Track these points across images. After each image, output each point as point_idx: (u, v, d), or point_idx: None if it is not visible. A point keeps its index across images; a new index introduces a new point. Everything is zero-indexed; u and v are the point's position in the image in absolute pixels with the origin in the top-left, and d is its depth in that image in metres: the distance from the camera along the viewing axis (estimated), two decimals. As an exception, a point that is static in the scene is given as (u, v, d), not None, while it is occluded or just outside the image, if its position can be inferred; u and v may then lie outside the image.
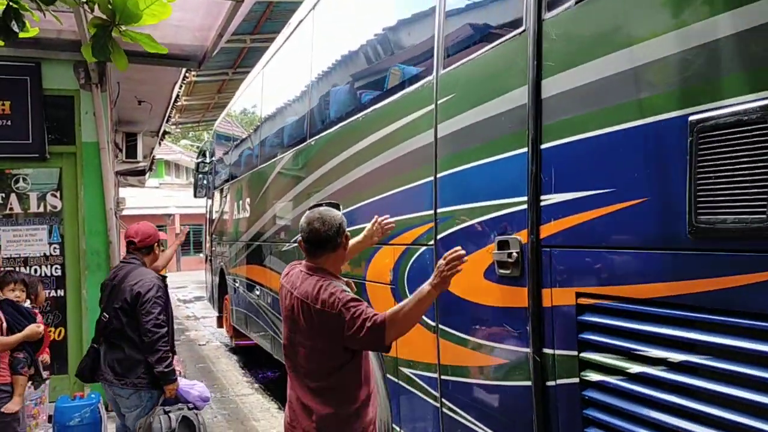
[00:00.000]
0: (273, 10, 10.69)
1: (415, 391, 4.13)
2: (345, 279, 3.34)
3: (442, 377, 3.81)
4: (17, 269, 6.70)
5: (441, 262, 2.97)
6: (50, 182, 7.29)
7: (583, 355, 2.81)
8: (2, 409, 4.48)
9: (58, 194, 7.27)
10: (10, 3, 2.66)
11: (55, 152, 7.15)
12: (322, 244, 3.16)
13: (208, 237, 13.68)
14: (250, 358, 10.91)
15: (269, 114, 8.49)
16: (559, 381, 2.92)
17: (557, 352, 2.93)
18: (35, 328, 4.79)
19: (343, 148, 5.22)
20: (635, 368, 2.53)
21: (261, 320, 8.33)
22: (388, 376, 4.47)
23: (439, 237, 3.79)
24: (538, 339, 3.00)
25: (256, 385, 9.20)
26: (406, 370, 4.25)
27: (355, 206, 4.96)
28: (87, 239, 7.22)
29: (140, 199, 28.12)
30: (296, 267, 3.31)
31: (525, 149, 3.06)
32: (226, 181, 11.23)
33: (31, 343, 4.88)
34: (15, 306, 4.90)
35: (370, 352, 3.32)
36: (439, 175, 3.79)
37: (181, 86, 10.48)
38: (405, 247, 4.19)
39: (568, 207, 2.84)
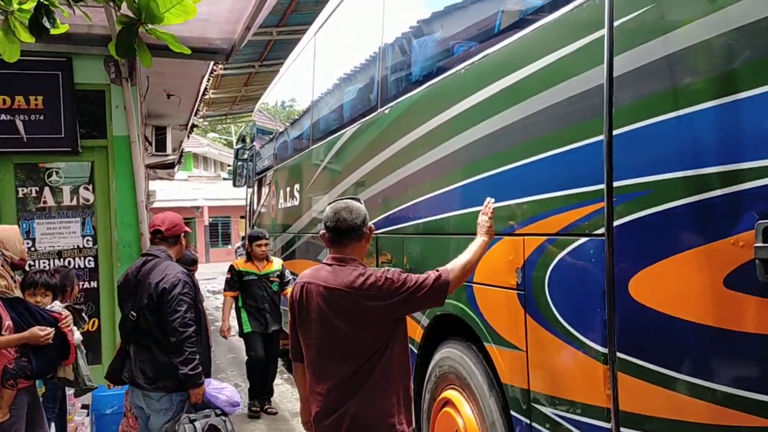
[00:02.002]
0: (299, 2, 9.21)
1: (565, 441, 2.45)
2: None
3: (624, 431, 2.13)
4: (47, 267, 5.66)
5: (483, 217, 2.75)
6: (82, 176, 6.36)
7: None
8: None
9: (90, 187, 6.33)
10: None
11: (87, 146, 6.23)
12: (349, 232, 2.63)
13: (248, 229, 11.53)
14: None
15: (324, 86, 6.31)
16: None
17: None
18: (36, 331, 3.56)
19: (434, 113, 3.44)
20: None
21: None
22: (513, 413, 2.76)
23: (616, 223, 2.12)
24: None
25: (286, 375, 8.01)
26: (547, 410, 2.52)
27: (455, 185, 3.24)
28: (119, 231, 6.26)
29: (169, 192, 26.03)
30: (312, 269, 2.75)
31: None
32: (271, 166, 8.90)
33: (42, 349, 3.65)
34: (27, 306, 3.69)
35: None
36: (616, 132, 2.10)
37: (208, 79, 9.28)
38: (545, 238, 2.49)
39: None
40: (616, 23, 2.06)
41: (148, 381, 3.50)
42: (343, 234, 2.62)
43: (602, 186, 2.10)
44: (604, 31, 2.08)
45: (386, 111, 4.16)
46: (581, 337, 2.28)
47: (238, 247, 26.12)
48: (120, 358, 3.71)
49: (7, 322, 3.46)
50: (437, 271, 2.54)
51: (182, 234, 3.76)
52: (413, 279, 2.50)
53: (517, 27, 2.78)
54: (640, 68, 2.07)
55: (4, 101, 5.89)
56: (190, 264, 4.89)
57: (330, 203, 2.72)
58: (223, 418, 3.56)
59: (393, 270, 2.54)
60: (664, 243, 1.99)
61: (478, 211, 2.90)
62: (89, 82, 6.17)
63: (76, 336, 4.05)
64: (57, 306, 4.03)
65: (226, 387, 3.77)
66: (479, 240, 2.70)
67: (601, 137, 2.10)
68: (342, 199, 2.73)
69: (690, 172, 1.90)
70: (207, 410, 3.54)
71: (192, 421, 3.42)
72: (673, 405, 1.97)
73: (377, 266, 4.33)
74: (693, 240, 1.88)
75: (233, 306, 6.39)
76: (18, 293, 3.73)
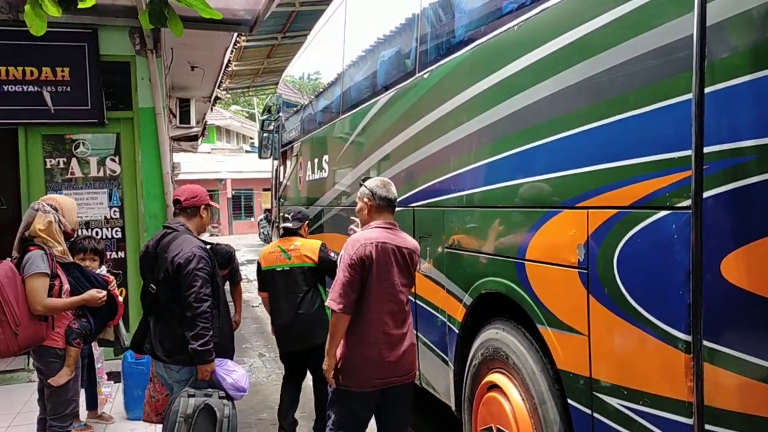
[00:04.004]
0: (322, -27, 8.87)
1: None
2: None
3: (711, 430, 1.82)
4: (84, 233, 5.80)
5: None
6: (108, 147, 6.27)
7: None
8: (49, 381, 3.51)
9: (116, 159, 6.24)
10: (70, -28, 2.32)
11: (113, 117, 6.11)
12: (394, 202, 3.07)
13: (274, 202, 11.00)
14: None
15: (356, 51, 5.82)
16: None
17: None
18: (94, 293, 3.64)
19: (482, 76, 3.06)
20: None
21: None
22: (571, 402, 2.43)
23: (707, 195, 1.79)
24: None
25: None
26: (613, 401, 2.19)
27: (508, 153, 2.85)
28: (145, 202, 6.17)
29: (193, 164, 25.72)
30: (374, 231, 3.02)
31: None
32: (298, 138, 8.34)
33: (97, 311, 3.75)
34: (82, 270, 3.75)
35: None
36: (709, 90, 1.77)
37: (232, 51, 9.00)
38: (615, 211, 2.16)
39: None
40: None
41: (166, 354, 3.38)
42: (392, 204, 3.03)
43: (689, 152, 1.76)
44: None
45: (425, 75, 3.76)
46: (658, 323, 1.96)
47: (261, 220, 25.92)
48: (142, 329, 3.60)
49: (66, 285, 3.53)
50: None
51: (202, 206, 3.51)
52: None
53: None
54: (739, 15, 1.72)
55: (32, 72, 5.81)
56: (227, 262, 4.27)
57: (364, 179, 3.04)
58: (225, 402, 3.33)
59: None
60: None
61: (535, 182, 2.60)
62: (114, 54, 6.00)
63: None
64: (104, 270, 4.12)
65: (237, 371, 3.53)
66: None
67: (689, 96, 1.76)
68: (365, 179, 3.06)
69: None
70: (210, 390, 3.36)
71: (190, 397, 3.27)
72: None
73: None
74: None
75: None
76: (70, 259, 3.74)
